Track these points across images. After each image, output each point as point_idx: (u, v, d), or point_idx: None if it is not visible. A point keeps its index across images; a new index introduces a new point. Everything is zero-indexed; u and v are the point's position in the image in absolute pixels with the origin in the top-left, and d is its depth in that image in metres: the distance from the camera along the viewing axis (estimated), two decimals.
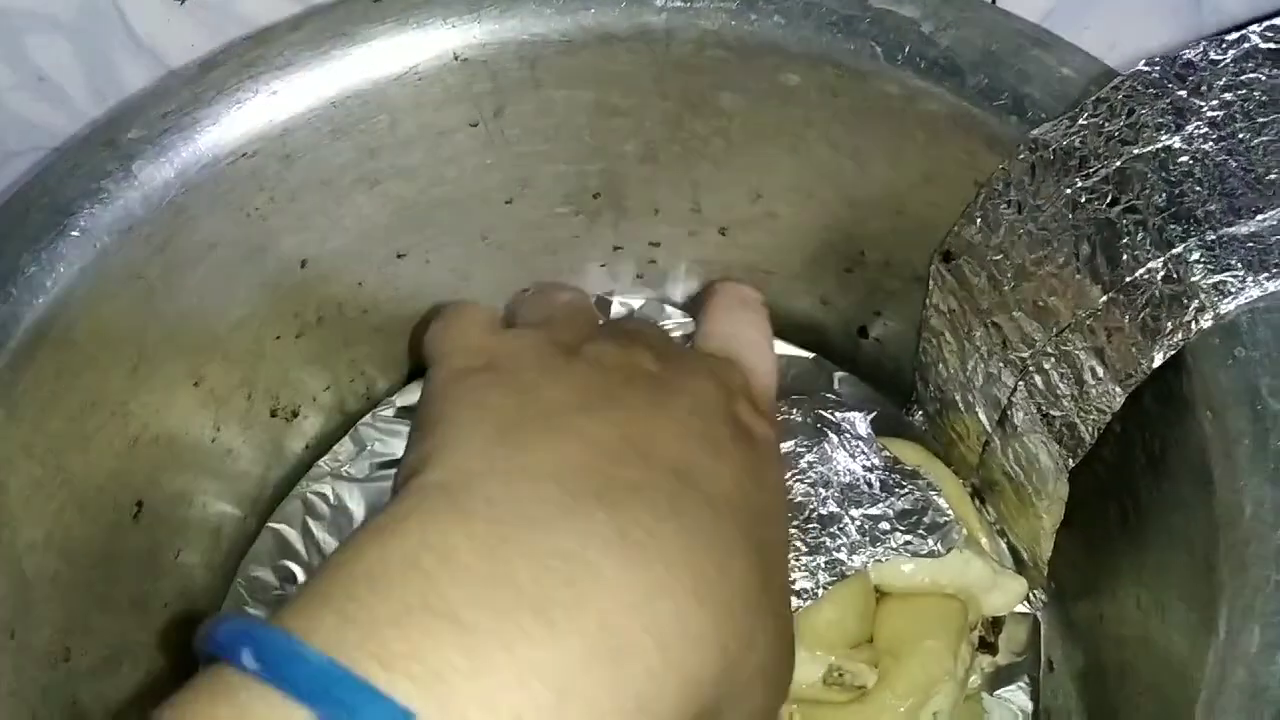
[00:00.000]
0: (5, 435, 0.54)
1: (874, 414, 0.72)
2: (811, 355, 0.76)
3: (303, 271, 0.68)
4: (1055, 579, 0.65)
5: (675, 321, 0.79)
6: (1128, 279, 0.48)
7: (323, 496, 0.74)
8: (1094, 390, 0.50)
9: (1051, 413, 0.53)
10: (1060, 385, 0.52)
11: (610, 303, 0.80)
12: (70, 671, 0.58)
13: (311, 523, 0.73)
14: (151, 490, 0.64)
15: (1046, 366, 0.53)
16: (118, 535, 0.62)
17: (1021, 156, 0.52)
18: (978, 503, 0.67)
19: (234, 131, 0.60)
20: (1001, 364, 0.56)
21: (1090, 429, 0.51)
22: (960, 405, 0.63)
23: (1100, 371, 0.49)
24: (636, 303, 0.80)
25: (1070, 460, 0.53)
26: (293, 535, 0.73)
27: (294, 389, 0.73)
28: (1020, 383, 0.55)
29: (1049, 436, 0.54)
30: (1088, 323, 0.50)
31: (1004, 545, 0.66)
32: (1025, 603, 0.65)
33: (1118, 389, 0.49)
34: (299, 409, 0.74)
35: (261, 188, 0.63)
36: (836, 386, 0.75)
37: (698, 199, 0.71)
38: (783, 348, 0.77)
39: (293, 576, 0.71)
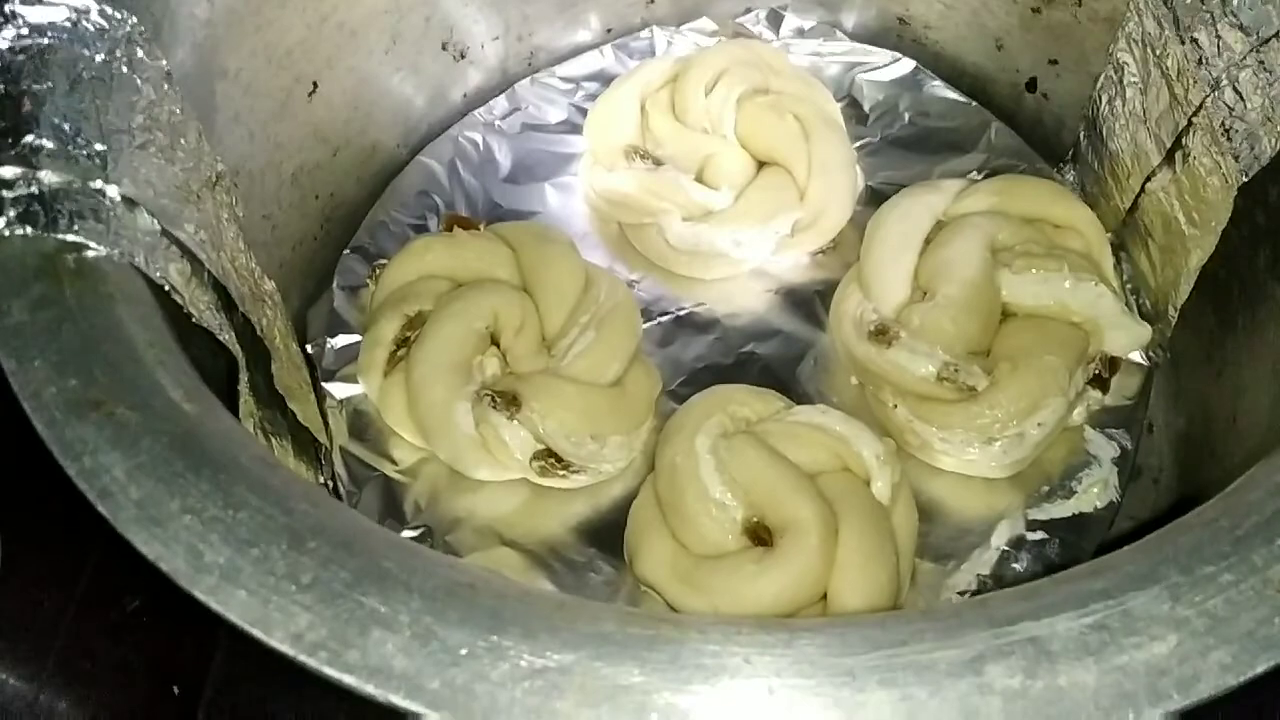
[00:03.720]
0: None
1: (1023, 168, 0.73)
2: (974, 104, 0.76)
3: None
4: (1171, 350, 0.65)
5: (844, 46, 0.79)
6: None
7: (474, 143, 0.76)
8: None
9: (1235, 126, 0.53)
10: (1252, 96, 0.52)
11: (783, 17, 0.80)
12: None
13: (459, 164, 0.75)
14: (328, 75, 0.66)
15: (1241, 78, 0.53)
16: (293, 106, 0.65)
17: None
18: (1115, 258, 0.67)
19: None
20: (1191, 81, 0.56)
21: (1273, 139, 0.51)
22: (1128, 144, 0.63)
23: None
24: (808, 23, 0.80)
25: (1244, 176, 0.53)
26: (439, 171, 0.75)
27: (467, 28, 0.74)
28: (1208, 99, 0.55)
29: (1226, 152, 0.54)
30: None
31: (1133, 301, 0.67)
32: (1144, 355, 0.65)
33: None
34: (466, 50, 0.75)
35: None
36: (992, 137, 0.75)
37: None
38: (946, 92, 0.77)
39: (435, 207, 0.73)
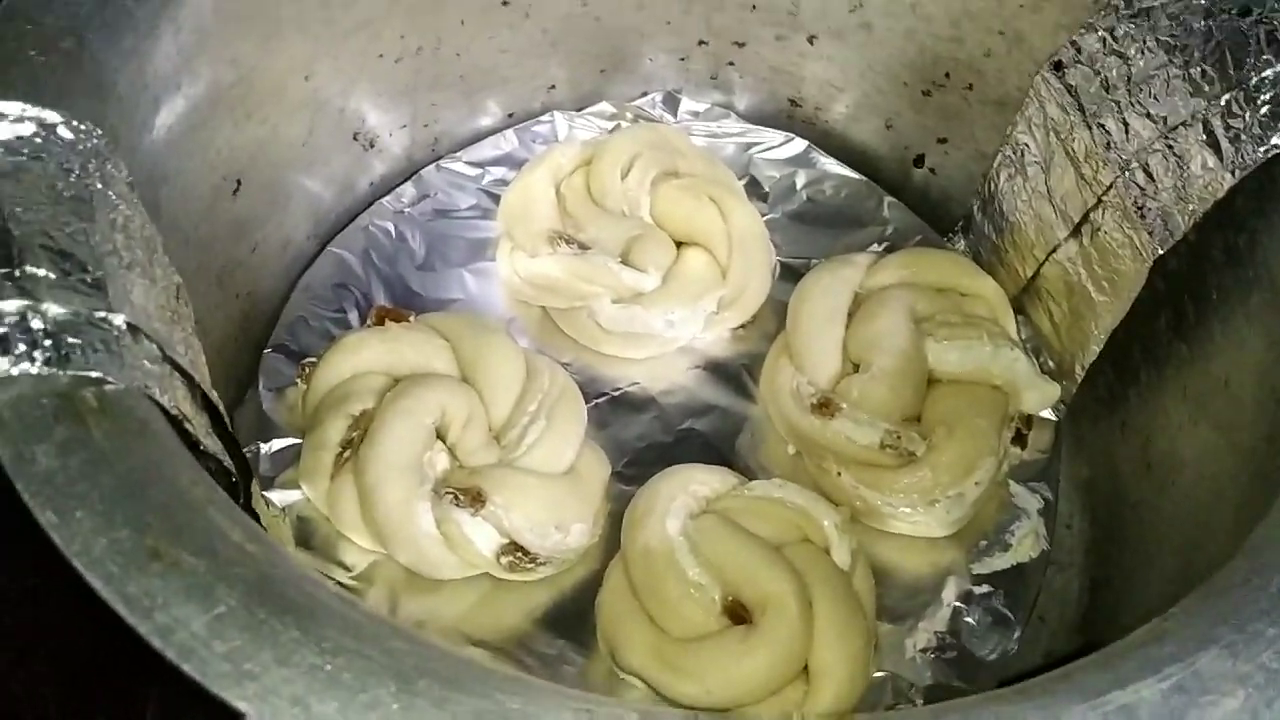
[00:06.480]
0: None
1: (919, 239, 0.78)
2: (864, 179, 0.81)
3: None
4: (1070, 404, 0.71)
5: (739, 127, 0.82)
6: (1253, 80, 0.54)
7: (385, 231, 0.75)
8: (1201, 180, 0.56)
9: (1147, 205, 0.59)
10: (1164, 178, 0.58)
11: (679, 100, 0.83)
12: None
13: (373, 253, 0.74)
14: (251, 172, 0.65)
15: (1151, 162, 0.58)
16: (220, 204, 0.63)
17: None
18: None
19: None
20: (1101, 163, 0.61)
21: (1186, 218, 0.57)
22: (1030, 218, 0.68)
23: (1211, 162, 0.55)
24: (702, 106, 0.83)
25: (1159, 249, 0.59)
26: (353, 261, 0.73)
27: (377, 118, 0.73)
28: (1118, 179, 0.60)
29: (1139, 228, 0.59)
30: (1204, 119, 0.56)
31: (1034, 361, 0.72)
32: (1051, 410, 0.71)
33: (1228, 176, 0.54)
34: (375, 140, 0.74)
35: None
36: (885, 211, 0.79)
37: (799, 0, 0.75)
38: (836, 168, 0.81)
39: (352, 299, 0.72)
